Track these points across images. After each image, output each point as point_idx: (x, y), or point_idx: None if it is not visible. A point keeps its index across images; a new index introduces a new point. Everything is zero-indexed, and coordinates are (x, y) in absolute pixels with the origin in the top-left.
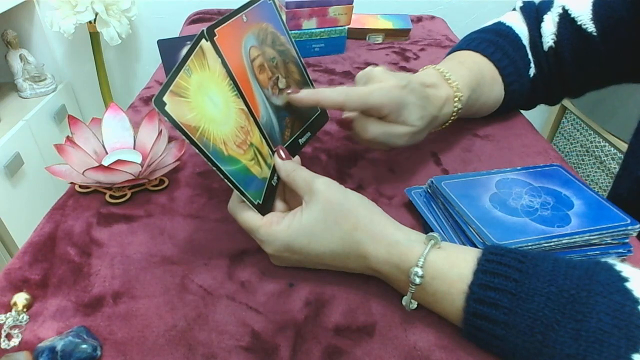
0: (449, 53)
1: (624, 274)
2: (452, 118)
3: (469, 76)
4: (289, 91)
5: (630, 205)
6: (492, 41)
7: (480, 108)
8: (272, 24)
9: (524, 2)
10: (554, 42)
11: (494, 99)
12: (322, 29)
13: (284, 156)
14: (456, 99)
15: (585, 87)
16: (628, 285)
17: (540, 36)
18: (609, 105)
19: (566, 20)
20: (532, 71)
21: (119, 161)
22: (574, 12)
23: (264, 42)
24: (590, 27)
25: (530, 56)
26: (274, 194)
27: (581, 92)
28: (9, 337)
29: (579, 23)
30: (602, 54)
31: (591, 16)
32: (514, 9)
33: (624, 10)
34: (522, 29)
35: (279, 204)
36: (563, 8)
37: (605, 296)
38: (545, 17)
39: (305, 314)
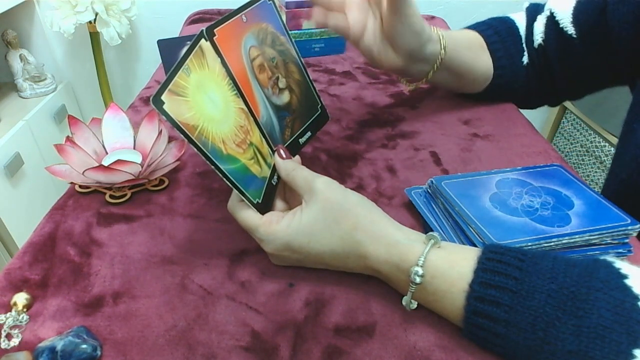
0: None
1: (623, 271)
2: (437, 64)
3: (453, 35)
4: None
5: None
6: (487, 23)
7: (467, 72)
8: (272, 24)
9: (530, 3)
10: (543, 40)
11: (483, 68)
12: (322, 29)
13: (284, 155)
14: (441, 43)
15: (577, 89)
16: (627, 282)
17: (532, 34)
18: (609, 105)
19: (551, 22)
20: (525, 59)
21: (119, 161)
22: (558, 15)
23: (264, 42)
24: (571, 29)
25: (524, 46)
26: (273, 193)
27: (576, 94)
28: (9, 337)
29: (561, 25)
30: (582, 55)
31: (571, 19)
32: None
33: (595, 16)
34: (521, 23)
35: (279, 204)
36: (550, 11)
37: (606, 292)
38: (538, 17)
39: (305, 314)
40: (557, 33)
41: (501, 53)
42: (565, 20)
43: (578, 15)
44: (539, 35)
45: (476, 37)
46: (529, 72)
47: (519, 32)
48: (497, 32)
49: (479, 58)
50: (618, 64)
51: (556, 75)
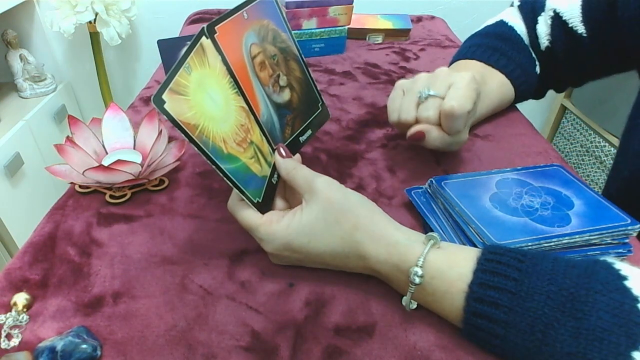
0: (454, 59)
1: (623, 272)
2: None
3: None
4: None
5: (619, 205)
6: (495, 48)
7: (493, 111)
8: (273, 20)
9: (521, 1)
10: (549, 42)
11: (506, 100)
12: (322, 29)
13: (284, 154)
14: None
15: (582, 81)
16: (627, 283)
17: (537, 37)
18: (609, 105)
19: (558, 22)
20: (537, 68)
21: (119, 161)
22: (565, 15)
23: (265, 39)
24: (581, 28)
25: (534, 56)
26: (274, 192)
27: (580, 83)
28: (9, 337)
29: (570, 25)
30: (592, 53)
31: (581, 18)
32: (512, 5)
33: (605, 12)
34: (522, 29)
35: (279, 202)
36: (554, 11)
37: (605, 294)
38: (539, 18)
39: (305, 314)
40: (565, 33)
41: (522, 79)
42: (575, 19)
43: (587, 12)
44: (545, 38)
45: (495, 77)
46: (542, 77)
47: (525, 44)
48: (510, 58)
49: (501, 95)
50: (628, 60)
51: (563, 75)
